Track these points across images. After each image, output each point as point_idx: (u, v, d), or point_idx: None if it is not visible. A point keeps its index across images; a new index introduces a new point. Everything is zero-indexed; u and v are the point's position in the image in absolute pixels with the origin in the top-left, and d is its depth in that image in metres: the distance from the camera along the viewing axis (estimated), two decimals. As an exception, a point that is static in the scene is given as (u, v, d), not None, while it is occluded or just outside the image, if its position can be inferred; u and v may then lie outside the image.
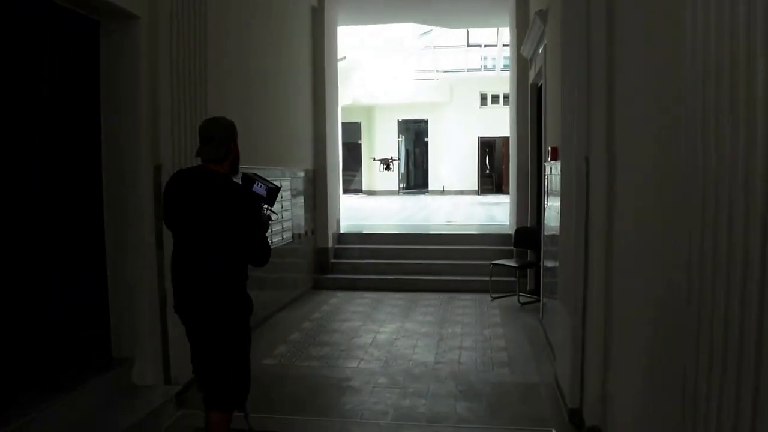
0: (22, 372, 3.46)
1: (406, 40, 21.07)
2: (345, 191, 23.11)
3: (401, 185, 25.86)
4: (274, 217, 3.39)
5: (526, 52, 7.84)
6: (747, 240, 1.64)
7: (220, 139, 3.18)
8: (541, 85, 7.31)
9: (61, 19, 3.80)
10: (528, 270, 8.10)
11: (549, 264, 6.08)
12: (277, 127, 7.23)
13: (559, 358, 4.66)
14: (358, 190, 25.03)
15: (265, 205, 3.25)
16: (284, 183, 7.16)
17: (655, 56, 2.73)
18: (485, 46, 22.58)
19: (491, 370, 5.20)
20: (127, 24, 4.14)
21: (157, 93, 4.31)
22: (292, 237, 7.71)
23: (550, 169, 5.75)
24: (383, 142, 25.01)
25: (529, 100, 8.00)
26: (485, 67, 24.11)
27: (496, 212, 15.17)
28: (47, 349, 3.66)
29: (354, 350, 5.74)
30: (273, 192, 3.29)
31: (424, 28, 20.66)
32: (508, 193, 23.61)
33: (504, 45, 20.61)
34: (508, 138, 23.39)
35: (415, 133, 26.45)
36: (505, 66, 22.45)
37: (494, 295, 7.97)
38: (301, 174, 8.27)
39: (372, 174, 25.30)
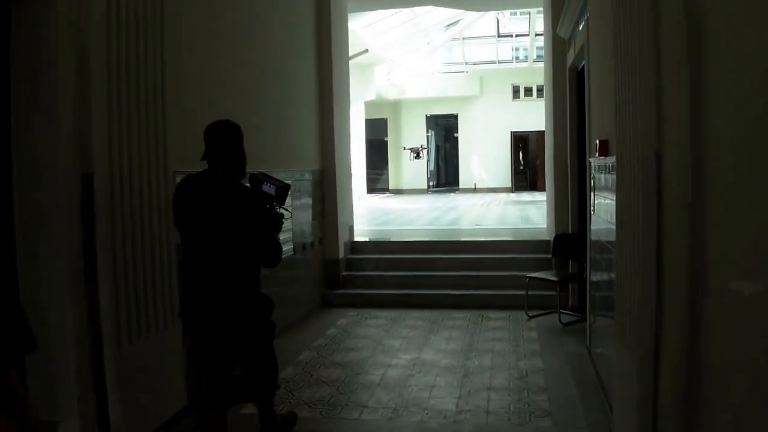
0: None
1: (433, 32, 19.85)
2: (370, 191, 22.29)
3: (430, 183, 24.72)
4: (287, 215, 3.41)
5: (564, 31, 6.69)
6: None
7: (225, 142, 3.23)
8: (582, 67, 6.18)
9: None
10: (570, 284, 6.96)
11: (597, 277, 4.97)
12: (272, 123, 6.22)
13: (618, 416, 3.54)
14: (385, 189, 23.99)
15: (277, 204, 3.28)
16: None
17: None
18: (517, 35, 21.19)
19: (528, 422, 4.11)
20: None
21: (89, 81, 3.32)
22: (294, 249, 6.70)
23: (598, 166, 4.63)
24: (411, 139, 23.89)
25: (568, 86, 6.85)
26: (517, 58, 22.74)
27: (532, 213, 13.95)
28: None
29: (357, 392, 4.69)
30: (283, 190, 3.30)
31: (451, 18, 19.45)
32: (543, 189, 22.59)
33: (537, 34, 19.28)
34: (542, 132, 22.28)
35: (444, 129, 25.22)
36: (538, 56, 21.09)
37: (531, 313, 6.85)
38: (306, 176, 7.27)
39: (399, 172, 24.24)
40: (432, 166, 25.10)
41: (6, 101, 3.19)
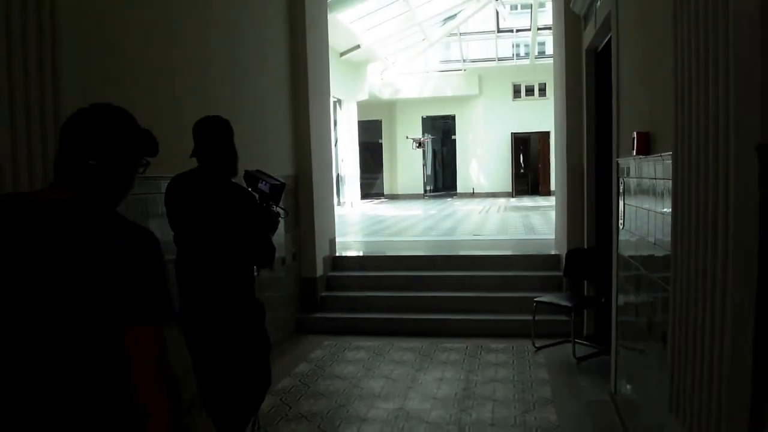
0: None
1: (428, 27, 18.71)
2: (365, 196, 21.17)
3: (427, 187, 23.60)
4: (283, 214, 3.32)
5: (579, 6, 5.61)
6: None
7: (213, 138, 3.10)
8: (604, 47, 5.11)
9: None
10: (585, 310, 5.87)
11: (625, 299, 3.91)
12: (235, 124, 5.12)
13: None
14: (380, 194, 22.88)
15: (272, 203, 3.20)
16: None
17: None
18: (517, 30, 20.03)
19: None
20: None
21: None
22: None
23: (633, 167, 3.55)
24: (406, 142, 22.82)
25: (585, 72, 5.76)
26: (518, 54, 21.59)
27: (536, 221, 12.83)
28: None
29: (320, 464, 3.60)
30: (277, 189, 3.23)
31: (447, 12, 18.33)
32: (545, 194, 21.61)
33: (539, 28, 18.19)
34: (544, 134, 21.37)
35: (441, 131, 24.07)
36: (540, 53, 20.03)
37: (538, 344, 5.76)
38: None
39: (394, 176, 23.15)
40: (429, 170, 24.00)
41: None
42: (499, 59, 21.11)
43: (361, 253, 8.29)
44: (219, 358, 3.09)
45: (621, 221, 3.97)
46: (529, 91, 21.74)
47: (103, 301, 1.49)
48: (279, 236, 6.01)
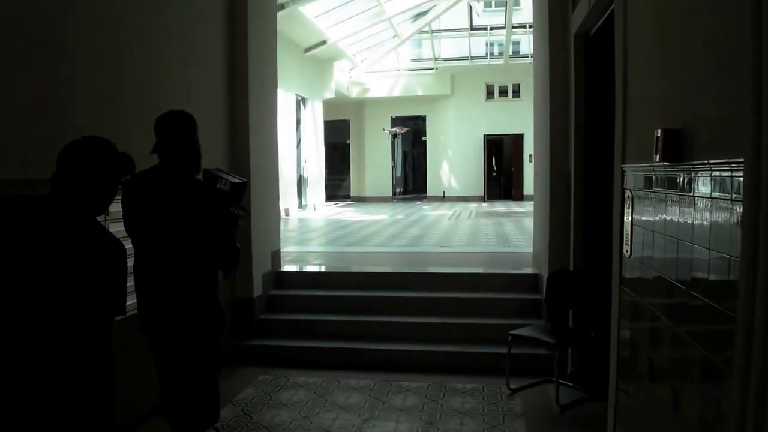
0: None
1: (398, 23, 17.70)
2: (330, 198, 20.14)
3: (396, 190, 22.65)
4: (243, 214, 3.15)
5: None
6: None
7: (177, 134, 2.96)
8: (594, 33, 4.20)
9: None
10: (570, 347, 4.95)
11: (632, 353, 2.99)
12: (144, 119, 4.09)
13: None
14: (346, 197, 21.87)
15: (231, 203, 3.05)
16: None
17: None
18: (491, 28, 19.14)
19: None
20: None
21: None
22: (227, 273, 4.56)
23: (652, 178, 2.61)
24: (375, 142, 21.86)
25: (573, 60, 4.82)
26: (491, 54, 20.70)
27: (510, 230, 11.92)
28: None
29: None
30: (239, 188, 3.12)
31: (418, 8, 17.36)
32: (518, 198, 20.75)
33: (514, 27, 17.37)
34: (518, 136, 20.56)
35: (411, 131, 23.14)
36: (515, 52, 19.23)
37: (514, 385, 4.82)
38: (204, 185, 5.12)
39: (362, 178, 22.16)
40: (398, 172, 23.08)
41: None
42: (472, 58, 20.23)
43: (310, 268, 7.28)
44: (181, 364, 3.01)
45: (627, 247, 3.03)
46: (503, 92, 20.98)
47: (95, 301, 1.91)
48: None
